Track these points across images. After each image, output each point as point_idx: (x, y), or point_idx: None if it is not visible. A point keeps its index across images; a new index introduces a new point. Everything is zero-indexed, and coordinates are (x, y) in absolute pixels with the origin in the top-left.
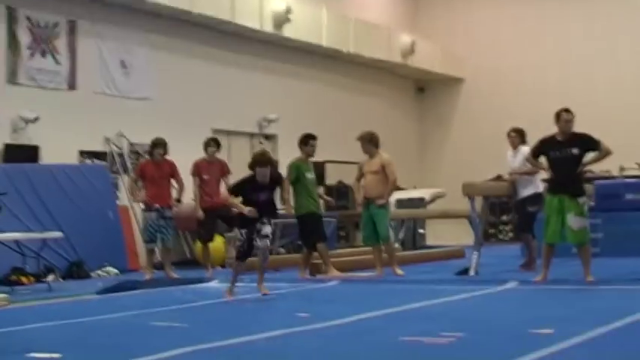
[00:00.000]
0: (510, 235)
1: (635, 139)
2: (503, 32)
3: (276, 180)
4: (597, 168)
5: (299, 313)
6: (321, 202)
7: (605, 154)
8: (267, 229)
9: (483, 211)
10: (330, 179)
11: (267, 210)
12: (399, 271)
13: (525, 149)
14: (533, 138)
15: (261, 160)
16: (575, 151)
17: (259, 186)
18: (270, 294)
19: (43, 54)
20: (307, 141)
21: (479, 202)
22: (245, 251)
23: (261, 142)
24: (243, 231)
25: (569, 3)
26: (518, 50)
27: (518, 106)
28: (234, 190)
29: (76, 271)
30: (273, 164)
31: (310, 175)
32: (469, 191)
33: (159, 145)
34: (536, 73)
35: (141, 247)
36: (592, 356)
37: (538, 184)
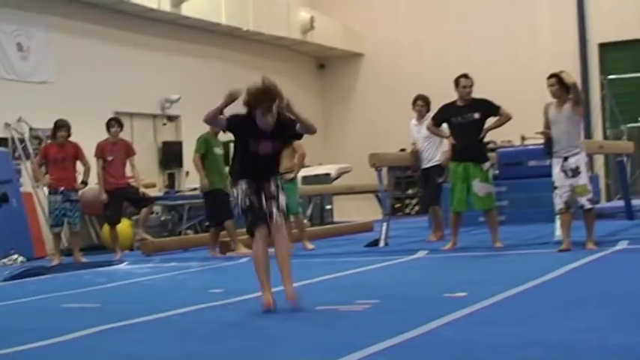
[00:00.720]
0: (417, 208)
1: (533, 110)
2: (401, 7)
3: (286, 126)
4: (499, 138)
5: (212, 289)
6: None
7: (505, 118)
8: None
9: (389, 183)
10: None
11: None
12: (310, 246)
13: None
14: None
15: (263, 100)
16: (476, 115)
17: (259, 132)
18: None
19: None
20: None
21: (385, 174)
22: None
23: (164, 124)
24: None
25: None
26: (417, 25)
27: (418, 80)
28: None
29: None
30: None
31: (219, 151)
32: (376, 162)
33: (62, 127)
34: (435, 48)
35: (47, 233)
36: (505, 315)
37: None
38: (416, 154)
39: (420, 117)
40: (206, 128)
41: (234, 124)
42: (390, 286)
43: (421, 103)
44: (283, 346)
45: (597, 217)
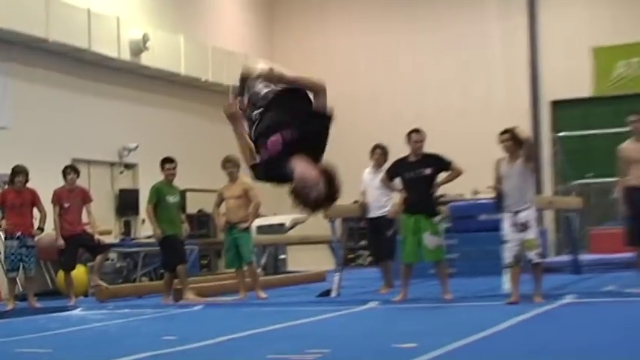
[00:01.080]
0: (369, 259)
1: (486, 164)
2: (358, 60)
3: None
4: (451, 191)
5: (165, 336)
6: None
7: (456, 173)
8: None
9: (343, 234)
10: (191, 208)
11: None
12: (263, 294)
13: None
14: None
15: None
16: (427, 171)
17: None
18: None
19: None
20: (163, 165)
21: (339, 225)
22: None
23: (121, 172)
24: None
25: (421, 33)
26: (373, 77)
27: (374, 132)
28: None
29: None
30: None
31: (173, 199)
32: (329, 213)
33: (19, 172)
34: (390, 100)
35: (2, 277)
36: None
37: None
38: (364, 206)
39: (377, 166)
40: (160, 177)
41: None
42: (341, 336)
43: (379, 152)
44: None
45: (545, 271)
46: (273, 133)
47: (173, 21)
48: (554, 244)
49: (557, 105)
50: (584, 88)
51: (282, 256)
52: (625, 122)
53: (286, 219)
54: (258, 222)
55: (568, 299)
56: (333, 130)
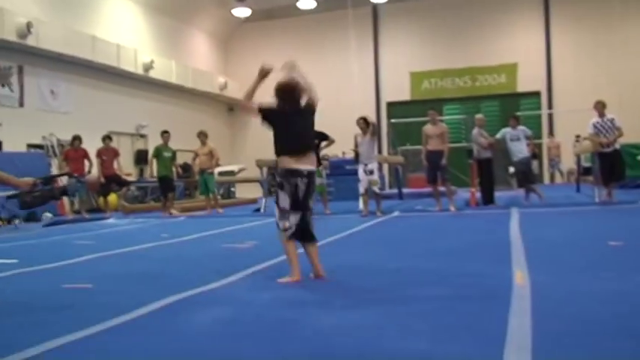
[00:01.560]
0: None
1: (350, 137)
2: (278, 75)
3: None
4: (331, 152)
5: (162, 234)
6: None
7: (330, 142)
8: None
9: (267, 176)
10: (180, 160)
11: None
12: (221, 210)
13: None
14: None
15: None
16: (315, 140)
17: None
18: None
19: (3, 86)
20: (162, 134)
21: (265, 171)
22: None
23: (138, 139)
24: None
25: (317, 62)
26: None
27: None
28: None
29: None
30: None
31: (167, 154)
32: (259, 163)
33: (76, 138)
34: None
35: (65, 200)
36: (332, 249)
37: None
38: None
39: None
40: (159, 142)
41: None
42: (264, 234)
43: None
44: (180, 275)
45: (383, 197)
46: None
47: (169, 51)
48: (388, 182)
49: (390, 104)
50: (405, 95)
51: (233, 189)
52: (426, 114)
53: (235, 167)
54: (219, 169)
55: (396, 214)
56: None
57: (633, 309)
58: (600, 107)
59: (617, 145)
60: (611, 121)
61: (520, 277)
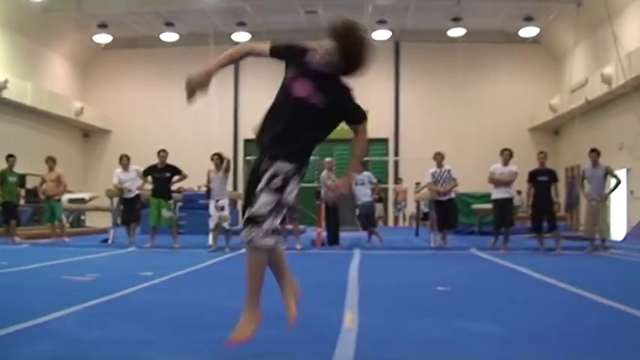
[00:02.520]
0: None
1: (203, 172)
2: (137, 104)
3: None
4: (186, 185)
5: (2, 262)
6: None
7: (182, 177)
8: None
9: (117, 206)
10: (29, 184)
11: None
12: (67, 239)
13: None
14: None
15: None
16: (167, 174)
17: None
18: None
19: None
20: (7, 158)
21: (116, 201)
22: None
23: None
24: None
25: (177, 89)
26: (146, 114)
27: (149, 150)
28: None
29: None
30: None
31: (12, 179)
32: (108, 193)
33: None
34: (151, 129)
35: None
36: (177, 285)
37: None
38: (121, 191)
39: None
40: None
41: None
42: (110, 265)
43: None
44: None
45: (233, 233)
46: None
47: (24, 72)
48: (238, 218)
49: (248, 141)
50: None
51: (83, 217)
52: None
53: (87, 195)
54: (69, 196)
55: (244, 250)
56: (120, 145)
57: (444, 354)
58: (439, 158)
59: (452, 195)
60: (449, 171)
61: (350, 319)
